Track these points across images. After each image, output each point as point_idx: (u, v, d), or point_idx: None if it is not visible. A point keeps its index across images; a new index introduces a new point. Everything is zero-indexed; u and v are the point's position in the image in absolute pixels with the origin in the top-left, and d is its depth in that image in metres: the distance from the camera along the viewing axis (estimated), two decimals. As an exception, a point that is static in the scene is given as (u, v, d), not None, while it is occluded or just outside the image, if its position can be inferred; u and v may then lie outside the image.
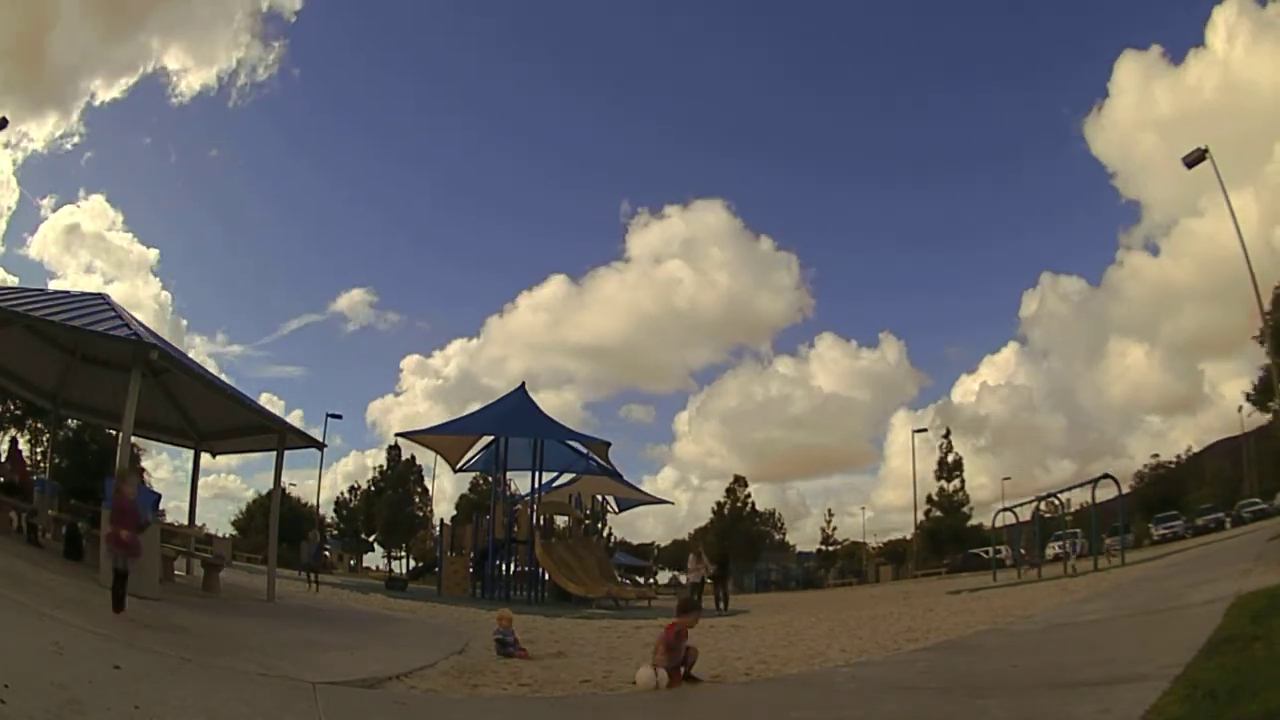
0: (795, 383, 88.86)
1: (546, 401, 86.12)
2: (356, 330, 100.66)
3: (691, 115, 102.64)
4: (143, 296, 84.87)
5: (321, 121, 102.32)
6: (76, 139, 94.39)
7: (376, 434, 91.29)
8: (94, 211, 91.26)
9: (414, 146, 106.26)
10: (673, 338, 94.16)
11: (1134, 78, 72.22)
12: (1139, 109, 70.63)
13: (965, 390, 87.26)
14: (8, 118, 23.73)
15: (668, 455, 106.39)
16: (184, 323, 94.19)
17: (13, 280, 54.47)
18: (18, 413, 32.42)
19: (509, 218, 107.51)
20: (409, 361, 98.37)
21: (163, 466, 69.75)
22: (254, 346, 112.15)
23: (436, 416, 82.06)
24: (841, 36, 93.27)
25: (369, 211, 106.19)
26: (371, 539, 55.45)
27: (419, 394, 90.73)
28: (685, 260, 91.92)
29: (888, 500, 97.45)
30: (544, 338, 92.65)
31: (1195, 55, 75.98)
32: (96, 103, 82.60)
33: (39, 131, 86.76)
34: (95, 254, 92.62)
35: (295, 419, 78.48)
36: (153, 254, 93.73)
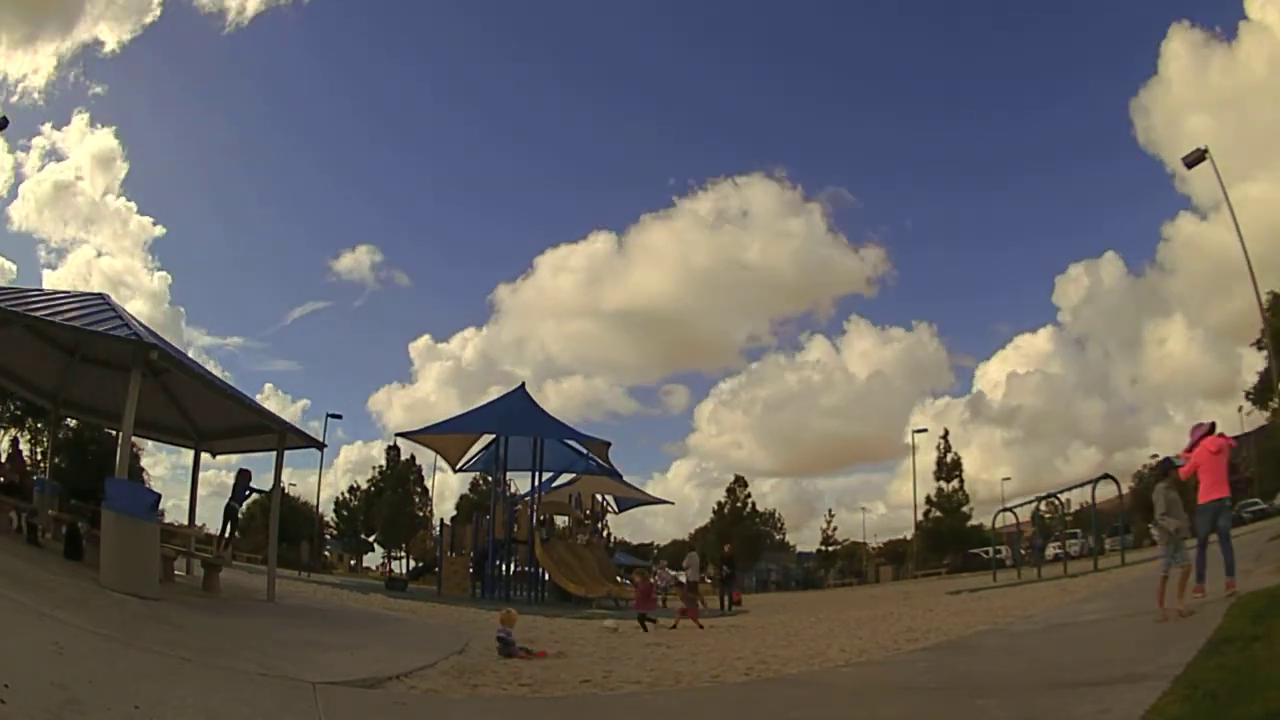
0: (825, 370, 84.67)
1: (575, 387, 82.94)
2: (362, 306, 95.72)
3: (741, 106, 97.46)
4: (142, 279, 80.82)
5: (336, 71, 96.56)
6: (76, 82, 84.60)
7: (379, 426, 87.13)
8: (90, 168, 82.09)
9: (422, 132, 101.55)
10: (716, 314, 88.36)
11: (1181, 56, 67.26)
12: (1187, 89, 65.89)
13: (994, 379, 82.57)
14: (8, 118, 23.74)
15: (688, 447, 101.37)
16: (182, 310, 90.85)
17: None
18: (18, 413, 32.43)
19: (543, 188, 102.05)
20: (419, 345, 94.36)
21: (160, 464, 68.17)
22: (257, 337, 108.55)
23: (448, 403, 79.27)
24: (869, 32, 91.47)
25: (377, 198, 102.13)
26: (371, 539, 55.45)
27: (430, 381, 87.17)
28: (728, 233, 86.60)
29: (906, 496, 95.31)
30: (579, 308, 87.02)
31: (1243, 28, 72.46)
32: (104, 51, 77.03)
33: (33, 75, 79.40)
34: (88, 222, 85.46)
35: (299, 409, 76.29)
36: (158, 230, 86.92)
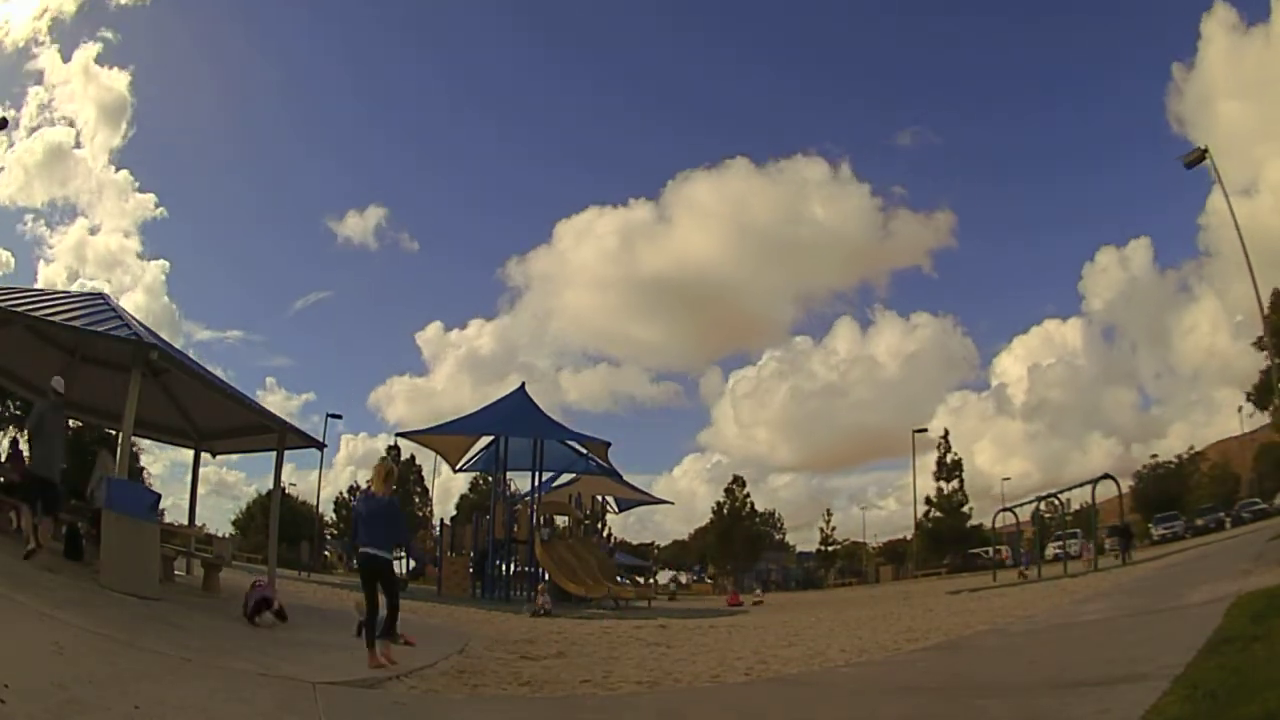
0: (851, 360, 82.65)
1: (600, 374, 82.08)
2: (368, 290, 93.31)
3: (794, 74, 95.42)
4: (139, 264, 77.63)
5: (350, 34, 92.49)
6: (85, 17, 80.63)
7: (381, 419, 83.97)
8: (94, 121, 78.30)
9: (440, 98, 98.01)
10: (758, 290, 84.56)
11: (1217, 38, 64.38)
12: (1220, 71, 63.39)
13: (1016, 371, 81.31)
14: (7, 118, 23.73)
15: (704, 441, 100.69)
16: (179, 301, 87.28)
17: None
18: (18, 413, 32.43)
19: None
20: (427, 333, 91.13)
21: (158, 462, 66.59)
22: (258, 330, 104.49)
23: (459, 393, 77.52)
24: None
25: (389, 164, 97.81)
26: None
27: (441, 371, 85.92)
28: (775, 202, 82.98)
29: (921, 491, 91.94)
30: (608, 284, 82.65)
31: (1275, 9, 68.30)
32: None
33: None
34: (83, 194, 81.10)
35: (302, 402, 73.62)
36: (159, 211, 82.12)
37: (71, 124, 71.69)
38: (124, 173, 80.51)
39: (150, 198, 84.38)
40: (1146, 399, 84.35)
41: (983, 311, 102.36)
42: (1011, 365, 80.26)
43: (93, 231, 77.19)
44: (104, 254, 74.64)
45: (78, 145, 73.48)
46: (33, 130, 67.19)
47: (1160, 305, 75.55)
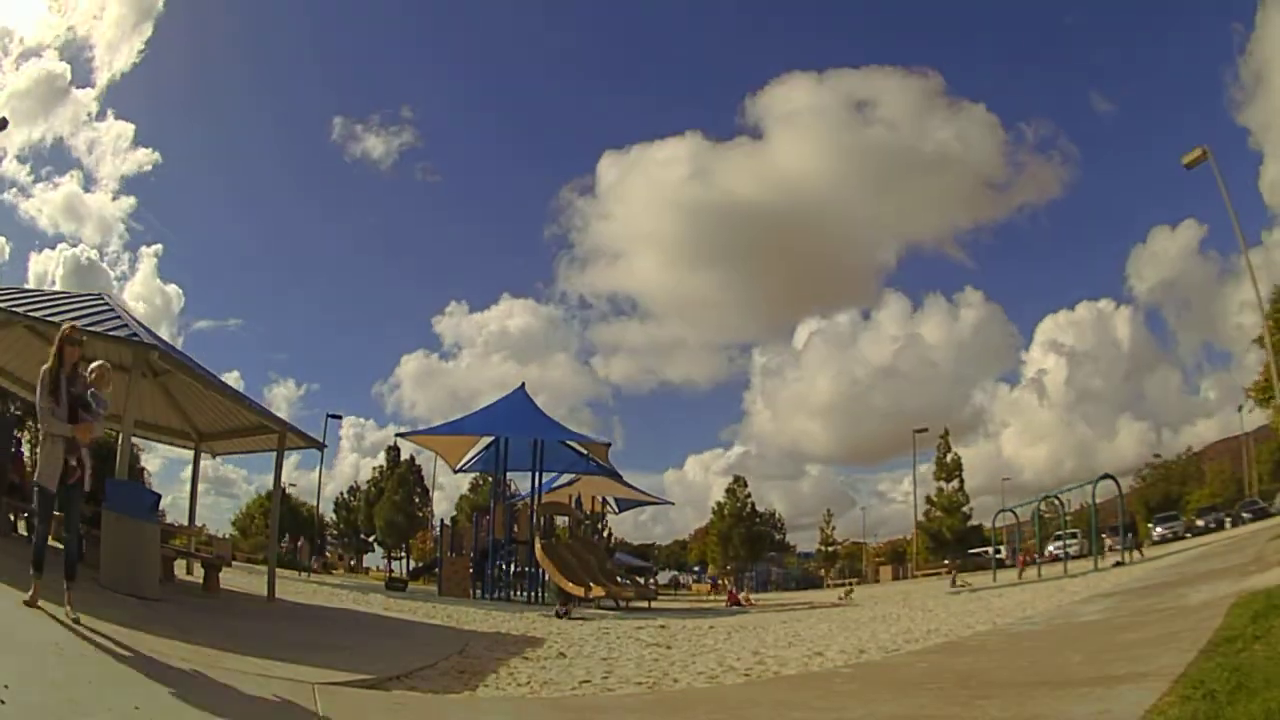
0: (896, 341, 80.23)
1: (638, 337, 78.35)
2: (375, 270, 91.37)
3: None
4: (134, 249, 77.97)
5: None
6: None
7: (386, 411, 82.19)
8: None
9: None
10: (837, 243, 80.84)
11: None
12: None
13: (1051, 357, 77.61)
14: (7, 119, 23.72)
15: (735, 432, 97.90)
16: (174, 291, 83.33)
17: None
18: (18, 413, 32.42)
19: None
20: (441, 320, 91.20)
21: (156, 458, 64.67)
22: (261, 320, 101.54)
23: (472, 382, 75.74)
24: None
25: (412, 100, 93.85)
26: (371, 539, 55.45)
27: (460, 351, 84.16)
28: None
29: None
30: (666, 227, 77.15)
31: None
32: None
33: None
34: (73, 144, 75.27)
35: (304, 394, 72.58)
36: (157, 176, 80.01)
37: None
38: (131, 124, 77.00)
39: (152, 156, 79.34)
40: (1179, 391, 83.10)
41: (1027, 295, 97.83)
42: (1048, 352, 76.41)
43: (85, 188, 72.78)
44: (95, 214, 71.23)
45: (78, 85, 69.00)
46: (26, 57, 60.15)
47: (1209, 286, 72.82)
